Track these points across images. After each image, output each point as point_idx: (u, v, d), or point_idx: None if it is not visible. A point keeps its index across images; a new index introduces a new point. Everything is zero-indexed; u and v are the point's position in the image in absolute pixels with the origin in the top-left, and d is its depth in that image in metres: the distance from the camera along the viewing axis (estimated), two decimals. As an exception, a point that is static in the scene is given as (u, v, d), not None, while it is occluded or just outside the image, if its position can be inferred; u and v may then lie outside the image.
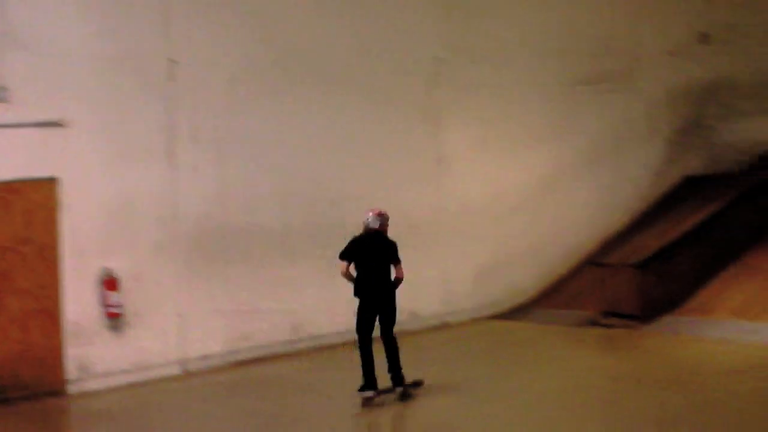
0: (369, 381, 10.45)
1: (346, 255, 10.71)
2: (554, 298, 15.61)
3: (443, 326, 14.63)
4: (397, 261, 10.72)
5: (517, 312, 15.35)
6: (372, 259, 10.61)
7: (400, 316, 13.77)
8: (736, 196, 15.33)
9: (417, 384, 10.92)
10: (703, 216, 14.79)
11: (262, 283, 13.27)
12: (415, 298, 14.41)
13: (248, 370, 12.60)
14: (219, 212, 12.94)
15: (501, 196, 15.74)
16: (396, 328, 14.15)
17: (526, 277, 15.88)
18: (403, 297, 14.18)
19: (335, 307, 13.79)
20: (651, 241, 14.43)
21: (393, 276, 10.77)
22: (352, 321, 13.96)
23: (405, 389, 10.65)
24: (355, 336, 10.78)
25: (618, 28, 17.00)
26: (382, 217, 10.72)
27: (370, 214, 10.72)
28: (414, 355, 12.19)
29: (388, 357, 10.62)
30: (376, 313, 10.69)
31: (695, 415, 9.43)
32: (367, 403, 10.43)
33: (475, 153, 15.55)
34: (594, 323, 14.08)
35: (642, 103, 17.15)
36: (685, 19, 17.67)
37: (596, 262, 14.91)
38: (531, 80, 16.14)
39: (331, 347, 13.51)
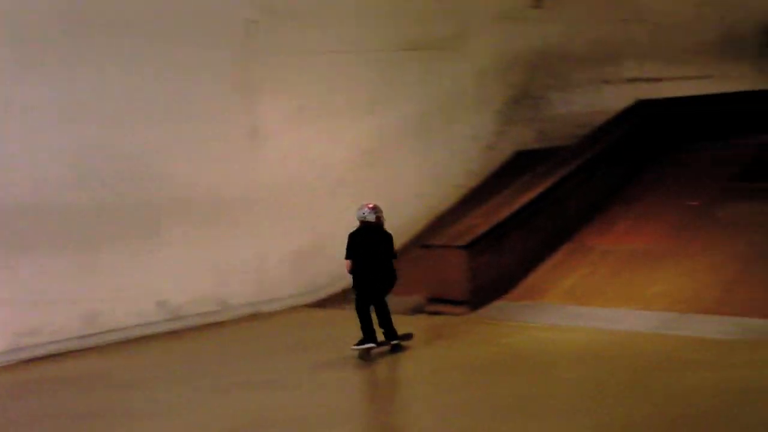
0: (368, 335, 11.74)
1: (350, 253, 11.88)
2: (380, 283, 15.44)
3: (257, 316, 14.25)
4: (393, 256, 11.97)
5: (340, 298, 15.11)
6: (368, 251, 11.79)
7: (208, 307, 13.44)
8: (570, 171, 15.44)
9: (407, 337, 12.12)
10: (535, 193, 14.82)
11: (52, 270, 12.63)
12: (226, 285, 14.05)
13: (36, 368, 12.02)
14: (1, 191, 12.27)
15: (322, 171, 15.48)
16: (202, 320, 13.90)
17: (349, 260, 15.67)
18: (212, 284, 13.85)
19: (136, 297, 13.32)
20: (481, 221, 14.34)
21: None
22: (155, 312, 13.61)
23: (397, 342, 11.92)
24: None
25: (448, -10, 16.92)
26: (377, 210, 11.97)
27: (366, 208, 11.95)
28: (221, 349, 11.91)
29: (378, 316, 11.88)
30: (371, 298, 11.84)
31: (523, 404, 9.39)
32: (366, 354, 11.66)
33: (293, 125, 15.22)
34: (421, 310, 13.96)
35: (472, 72, 17.15)
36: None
37: (423, 243, 14.82)
38: (355, 45, 15.90)
39: (131, 341, 13.02)
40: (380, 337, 11.75)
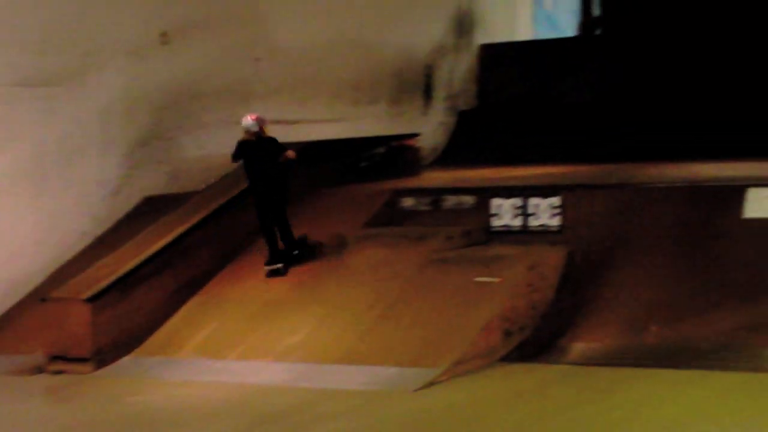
0: (273, 256, 14.53)
1: (236, 156, 14.70)
2: (-4, 342, 15.23)
3: None
4: (283, 149, 14.40)
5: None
6: (258, 160, 14.29)
7: None
8: (202, 218, 15.82)
9: (303, 243, 14.88)
10: (165, 241, 15.10)
11: None
12: None
13: None
14: None
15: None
16: None
17: (-42, 318, 15.32)
18: None
19: None
20: (107, 271, 14.47)
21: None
22: None
23: (297, 252, 14.71)
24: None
25: (65, 19, 16.69)
26: (260, 120, 14.42)
27: (249, 119, 14.39)
28: None
29: (280, 231, 14.58)
30: (269, 206, 14.42)
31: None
32: (273, 274, 14.55)
33: None
34: (41, 370, 13.93)
35: (96, 111, 17.12)
36: (143, 13, 17.71)
37: (42, 297, 14.76)
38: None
39: None
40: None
